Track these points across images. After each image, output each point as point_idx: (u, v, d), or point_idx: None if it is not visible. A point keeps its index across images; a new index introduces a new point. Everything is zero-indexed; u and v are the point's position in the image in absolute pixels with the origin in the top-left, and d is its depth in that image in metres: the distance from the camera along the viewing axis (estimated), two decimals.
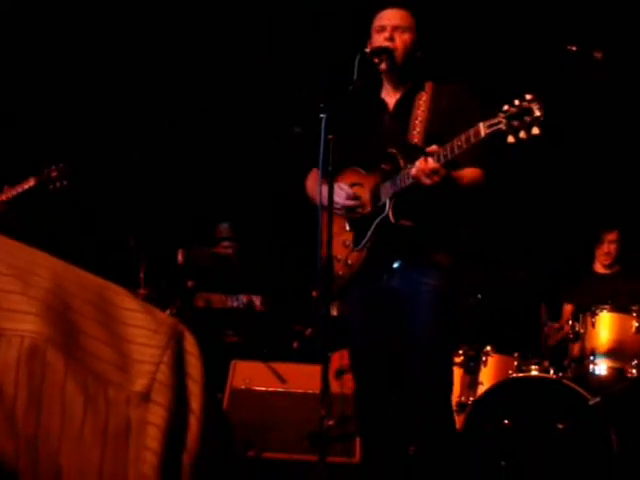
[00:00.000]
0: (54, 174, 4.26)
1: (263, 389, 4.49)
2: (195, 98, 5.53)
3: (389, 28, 3.07)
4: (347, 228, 3.16)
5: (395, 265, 3.07)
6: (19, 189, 4.23)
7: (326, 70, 4.33)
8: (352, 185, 3.15)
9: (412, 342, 3.03)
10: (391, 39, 3.05)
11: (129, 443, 0.64)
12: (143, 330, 0.68)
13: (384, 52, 3.05)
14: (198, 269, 5.00)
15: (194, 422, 0.68)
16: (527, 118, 2.64)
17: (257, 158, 5.60)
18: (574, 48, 4.56)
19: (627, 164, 5.16)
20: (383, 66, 3.06)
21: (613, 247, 4.91)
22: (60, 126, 5.19)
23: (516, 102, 2.67)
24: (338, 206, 3.07)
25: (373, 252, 3.07)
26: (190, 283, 4.89)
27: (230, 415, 4.41)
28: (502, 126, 2.67)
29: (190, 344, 0.71)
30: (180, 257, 4.83)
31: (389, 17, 3.11)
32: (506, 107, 2.68)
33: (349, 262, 3.12)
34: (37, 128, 5.16)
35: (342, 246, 3.13)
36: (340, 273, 3.11)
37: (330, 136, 2.84)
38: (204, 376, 0.70)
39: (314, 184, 3.22)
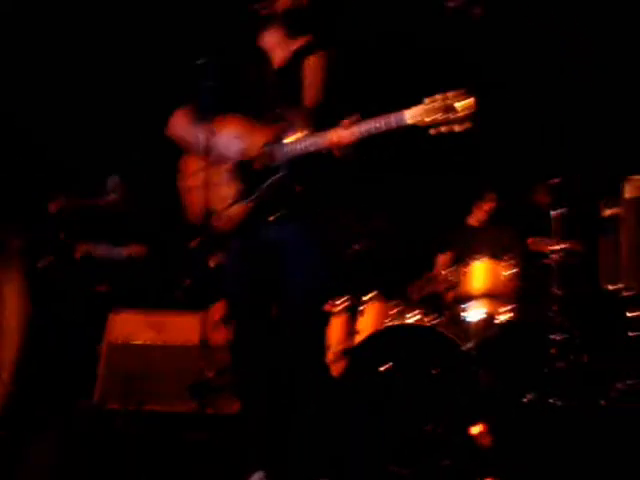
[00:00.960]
0: None
1: (142, 342, 4.44)
2: (81, 42, 5.30)
3: None
4: (227, 179, 3.12)
5: (274, 217, 3.07)
6: None
7: (207, 16, 4.23)
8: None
9: (289, 293, 3.05)
10: None
11: None
12: None
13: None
14: (76, 220, 4.85)
15: None
16: (451, 116, 2.67)
17: (136, 104, 5.42)
18: (452, 4, 4.63)
19: (503, 125, 5.29)
20: (264, 13, 3.01)
21: (493, 206, 5.05)
22: None
23: (440, 97, 2.69)
24: (229, 160, 3.03)
25: (259, 208, 3.05)
26: (62, 235, 4.73)
27: (109, 368, 4.35)
28: (427, 119, 2.69)
29: None
30: (53, 208, 4.66)
31: None
32: (430, 100, 2.70)
33: (229, 215, 3.09)
34: None
35: (219, 198, 3.08)
36: (218, 225, 3.07)
37: (210, 82, 2.79)
38: None
39: (182, 128, 3.15)
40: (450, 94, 2.69)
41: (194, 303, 4.28)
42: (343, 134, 2.82)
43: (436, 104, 2.69)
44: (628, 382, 3.94)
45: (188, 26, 4.69)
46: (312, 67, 3.08)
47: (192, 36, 3.25)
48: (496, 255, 4.30)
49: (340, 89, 3.03)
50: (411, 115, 2.72)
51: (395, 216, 5.12)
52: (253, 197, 3.04)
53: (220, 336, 4.10)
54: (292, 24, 3.09)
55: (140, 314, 4.48)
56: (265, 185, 3.02)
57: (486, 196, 5.06)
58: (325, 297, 3.26)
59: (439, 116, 2.67)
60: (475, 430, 2.55)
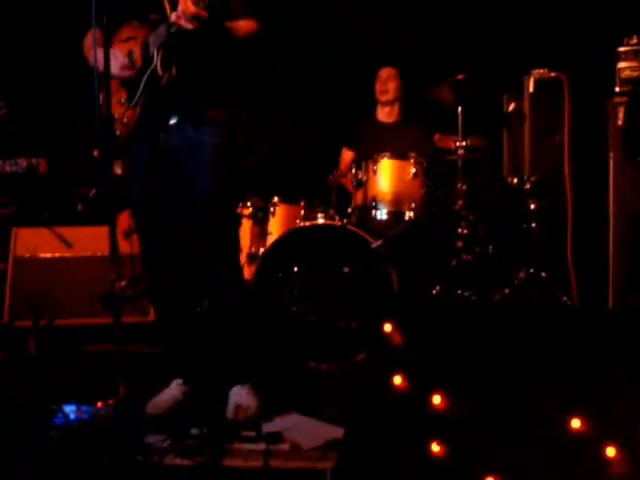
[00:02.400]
0: None
1: (49, 255, 4.35)
2: None
3: None
4: (122, 85, 3.03)
5: (172, 122, 3.01)
6: None
7: None
8: (127, 39, 3.00)
9: (194, 199, 3.02)
10: None
11: None
12: None
13: None
14: None
15: None
16: None
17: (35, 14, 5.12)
18: None
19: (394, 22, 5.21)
20: None
21: (391, 84, 5.02)
22: None
23: None
24: (114, 77, 2.94)
25: (146, 108, 2.98)
26: None
27: (16, 284, 4.26)
28: None
29: None
30: None
31: None
32: None
33: (125, 120, 3.02)
34: None
35: (118, 104, 3.01)
36: (118, 132, 3.01)
37: None
38: None
39: (87, 49, 3.04)
40: None
41: (100, 214, 4.20)
42: (188, 2, 2.75)
43: None
44: (530, 271, 4.12)
45: None
46: None
47: None
48: (404, 153, 4.33)
49: None
50: None
51: (300, 114, 5.06)
52: (137, 97, 2.98)
53: (130, 245, 4.05)
54: None
55: (45, 228, 4.37)
56: (143, 81, 2.96)
57: (381, 72, 4.98)
58: (232, 199, 3.24)
59: None
60: (387, 328, 2.64)
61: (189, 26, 2.76)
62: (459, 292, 4.04)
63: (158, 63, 2.90)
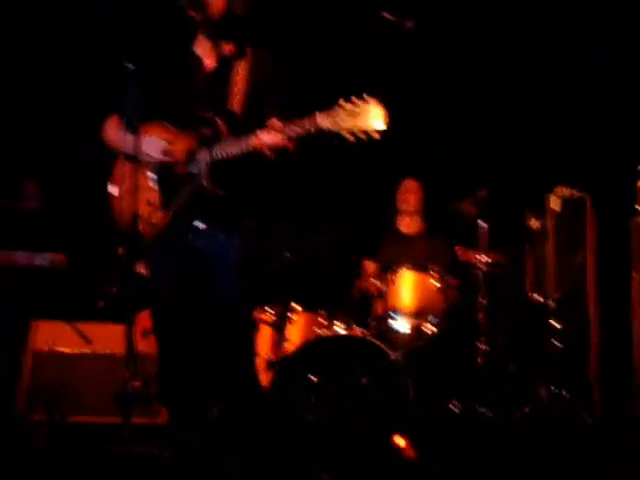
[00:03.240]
0: None
1: (67, 350, 4.36)
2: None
3: None
4: (152, 185, 3.09)
5: (200, 225, 3.05)
6: None
7: (134, 19, 4.17)
8: None
9: (216, 303, 3.03)
10: None
11: None
12: None
13: (198, 5, 2.99)
14: None
15: None
16: (367, 122, 2.67)
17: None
18: (389, 16, 4.65)
19: (433, 134, 5.32)
20: (199, 17, 3.01)
21: (412, 197, 5.09)
22: None
23: (357, 101, 2.69)
24: (152, 160, 3.01)
25: (181, 214, 3.03)
26: None
27: (34, 377, 4.25)
28: (343, 124, 2.70)
29: None
30: None
31: None
32: (348, 105, 2.70)
33: (153, 221, 3.06)
34: None
35: (145, 204, 3.05)
36: (142, 231, 3.05)
37: (138, 89, 2.75)
38: None
39: (114, 132, 3.11)
40: (366, 99, 2.69)
41: (120, 311, 4.22)
42: (277, 134, 2.83)
43: (356, 109, 2.69)
44: (551, 389, 4.03)
45: (120, 30, 4.61)
46: (240, 72, 3.08)
47: (121, 41, 3.20)
48: (425, 265, 4.34)
49: (267, 94, 3.04)
50: (328, 121, 2.72)
51: (327, 227, 5.11)
52: (173, 204, 3.03)
53: (149, 345, 4.04)
54: (222, 31, 3.09)
55: (65, 322, 4.39)
56: (183, 192, 3.01)
57: (404, 184, 5.04)
58: (250, 306, 3.25)
59: (357, 121, 2.67)
60: (400, 442, 2.57)
61: (270, 155, 2.85)
62: (477, 408, 3.96)
63: (206, 179, 2.96)
